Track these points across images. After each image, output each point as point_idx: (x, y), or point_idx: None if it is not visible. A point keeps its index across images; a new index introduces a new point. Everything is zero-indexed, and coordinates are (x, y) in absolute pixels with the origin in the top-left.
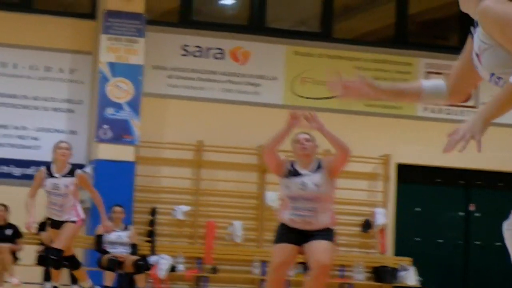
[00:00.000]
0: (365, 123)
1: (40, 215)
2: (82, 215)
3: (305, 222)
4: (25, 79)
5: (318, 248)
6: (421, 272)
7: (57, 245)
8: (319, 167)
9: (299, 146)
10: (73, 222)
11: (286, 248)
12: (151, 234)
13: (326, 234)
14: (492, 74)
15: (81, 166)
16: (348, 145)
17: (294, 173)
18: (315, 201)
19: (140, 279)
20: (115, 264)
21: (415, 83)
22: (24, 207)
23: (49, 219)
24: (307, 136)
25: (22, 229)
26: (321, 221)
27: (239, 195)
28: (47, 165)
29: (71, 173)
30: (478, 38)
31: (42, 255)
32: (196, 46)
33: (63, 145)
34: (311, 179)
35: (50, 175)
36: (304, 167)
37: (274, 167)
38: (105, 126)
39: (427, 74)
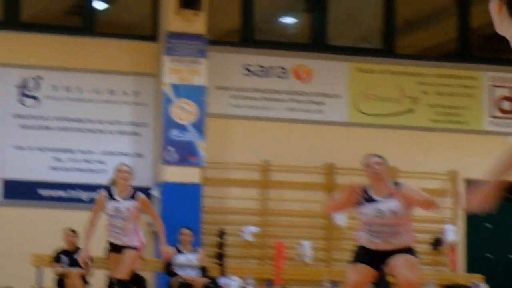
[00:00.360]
0: (431, 139)
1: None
2: (143, 239)
3: (384, 243)
4: (90, 103)
5: (404, 265)
6: None
7: (119, 274)
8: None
9: (371, 170)
10: (134, 247)
11: (363, 269)
12: (220, 256)
13: (408, 251)
14: None
15: (147, 189)
16: (433, 199)
17: (368, 199)
18: (393, 226)
19: None
20: (185, 287)
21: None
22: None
23: (109, 243)
24: (378, 160)
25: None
26: (401, 241)
27: (307, 214)
28: (108, 187)
29: (132, 196)
30: None
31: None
32: (259, 65)
33: (124, 168)
34: (387, 206)
35: (111, 198)
36: (379, 193)
37: (347, 208)
38: (171, 148)
39: (492, 87)
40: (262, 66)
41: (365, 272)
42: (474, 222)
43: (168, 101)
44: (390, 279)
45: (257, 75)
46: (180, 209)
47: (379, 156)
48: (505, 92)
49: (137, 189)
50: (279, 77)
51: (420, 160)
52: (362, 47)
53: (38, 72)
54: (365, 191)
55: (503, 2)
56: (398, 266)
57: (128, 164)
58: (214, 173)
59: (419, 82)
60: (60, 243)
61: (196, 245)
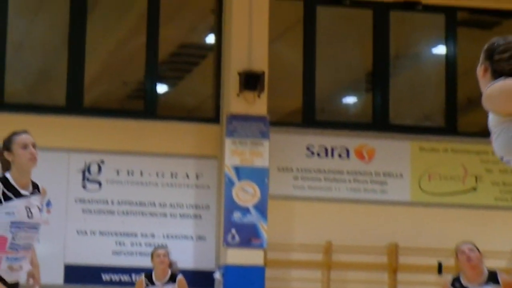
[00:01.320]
0: (495, 217)
1: None
2: None
3: None
4: (152, 186)
5: None
6: None
7: None
8: (492, 279)
9: (465, 257)
10: None
11: None
12: None
13: None
14: (502, 157)
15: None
16: None
17: None
18: None
19: None
20: None
21: None
22: None
23: None
24: (471, 246)
25: None
26: None
27: None
28: (148, 272)
29: (172, 280)
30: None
31: None
32: (321, 146)
33: (161, 251)
34: None
35: (151, 283)
36: (472, 280)
37: None
38: (233, 231)
39: None
40: (324, 147)
41: None
42: None
43: (230, 183)
44: None
45: (319, 156)
46: None
47: (471, 243)
48: None
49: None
50: (341, 157)
51: (484, 238)
52: (424, 125)
53: (101, 156)
54: (457, 280)
55: (487, 67)
56: None
57: (165, 246)
58: (276, 255)
59: (482, 160)
60: None
61: None
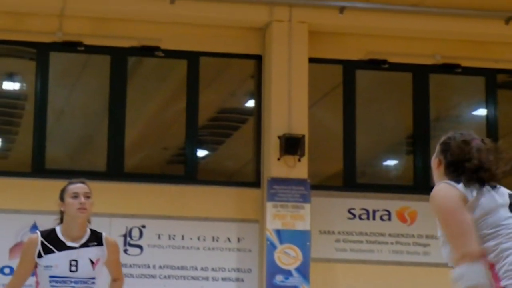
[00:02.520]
0: None
1: None
2: None
3: None
4: (194, 250)
5: None
6: None
7: None
8: None
9: None
10: None
11: None
12: None
13: None
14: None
15: None
16: None
17: None
18: None
19: None
20: None
21: None
22: None
23: None
24: None
25: None
26: None
27: None
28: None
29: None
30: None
31: None
32: (362, 209)
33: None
34: None
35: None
36: None
37: None
38: None
39: None
40: (365, 209)
41: None
42: None
43: (272, 246)
44: None
45: (361, 218)
46: None
47: None
48: None
49: None
50: (383, 219)
51: None
52: None
53: (142, 221)
54: None
55: (442, 160)
56: None
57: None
58: None
59: None
60: None
61: None
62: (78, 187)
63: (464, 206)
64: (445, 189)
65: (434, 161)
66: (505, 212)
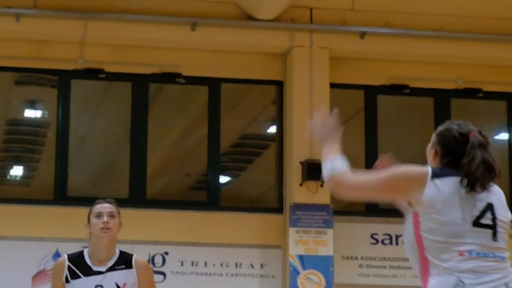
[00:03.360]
0: None
1: None
2: None
3: None
4: (217, 277)
5: None
6: None
7: None
8: None
9: None
10: None
11: None
12: None
13: None
14: None
15: None
16: None
17: None
18: None
19: None
20: None
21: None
22: None
23: None
24: None
25: None
26: None
27: None
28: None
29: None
30: None
31: None
32: (385, 234)
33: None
34: None
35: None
36: None
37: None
38: None
39: None
40: (388, 234)
41: None
42: None
43: (295, 272)
44: None
45: (384, 243)
46: None
47: None
48: None
49: None
50: None
51: None
52: None
53: (165, 248)
54: None
55: (438, 151)
56: None
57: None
58: None
59: None
60: None
61: None
62: (102, 206)
63: (410, 183)
64: (413, 167)
65: (430, 151)
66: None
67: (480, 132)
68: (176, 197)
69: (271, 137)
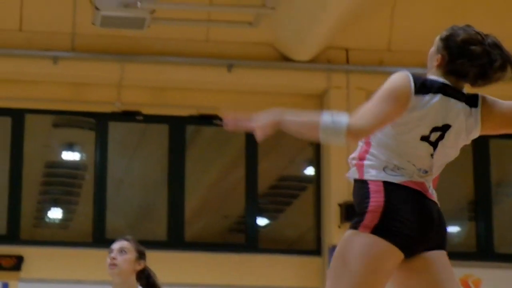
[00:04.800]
0: None
1: None
2: None
3: None
4: None
5: None
6: None
7: None
8: None
9: None
10: None
11: None
12: None
13: None
14: None
15: None
16: None
17: None
18: None
19: None
20: None
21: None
22: None
23: None
24: None
25: None
26: None
27: None
28: None
29: None
30: None
31: None
32: None
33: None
34: None
35: None
36: None
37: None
38: None
39: None
40: None
41: None
42: None
43: None
44: None
45: None
46: None
47: None
48: None
49: None
50: None
51: None
52: None
53: None
54: None
55: (445, 57)
56: None
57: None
58: None
59: None
60: None
61: None
62: (115, 243)
63: (400, 100)
64: (403, 77)
65: (434, 56)
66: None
67: (487, 35)
68: (215, 239)
69: (308, 179)
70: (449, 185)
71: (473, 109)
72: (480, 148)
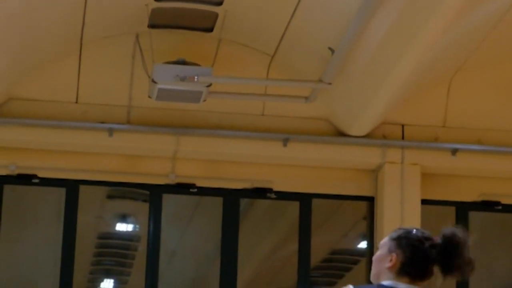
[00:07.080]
0: None
1: None
2: None
3: None
4: None
5: None
6: None
7: None
8: None
9: None
10: None
11: None
12: None
13: None
14: None
15: None
16: None
17: None
18: None
19: None
20: None
21: None
22: None
23: None
24: None
25: None
26: None
27: None
28: None
29: None
30: None
31: None
32: None
33: None
34: None
35: None
36: None
37: None
38: None
39: None
40: None
41: None
42: None
43: None
44: None
45: None
46: None
47: None
48: None
49: None
50: None
51: None
52: None
53: None
54: None
55: (399, 255)
56: None
57: None
58: None
59: None
60: None
61: None
62: None
63: None
64: None
65: (385, 256)
66: None
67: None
68: None
69: (362, 253)
70: (502, 261)
71: None
72: None
